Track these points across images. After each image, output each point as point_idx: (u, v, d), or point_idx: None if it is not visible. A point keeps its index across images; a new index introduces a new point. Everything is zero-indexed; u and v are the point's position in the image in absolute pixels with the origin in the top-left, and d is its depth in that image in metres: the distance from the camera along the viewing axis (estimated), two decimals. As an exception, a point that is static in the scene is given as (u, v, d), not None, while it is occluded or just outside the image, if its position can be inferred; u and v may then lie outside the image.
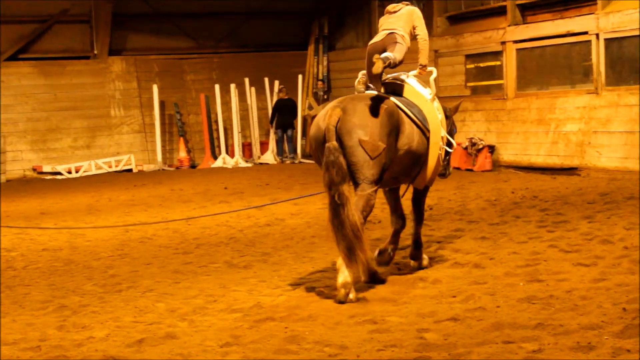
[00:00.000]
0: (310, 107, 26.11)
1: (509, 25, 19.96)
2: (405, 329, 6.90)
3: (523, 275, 8.52)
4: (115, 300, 8.65)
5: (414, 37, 9.37)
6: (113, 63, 25.62)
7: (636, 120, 16.59)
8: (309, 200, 15.29)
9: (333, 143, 8.01)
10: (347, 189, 7.94)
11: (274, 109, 25.39)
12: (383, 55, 8.70)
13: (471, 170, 19.59)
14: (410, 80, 9.33)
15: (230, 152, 25.45)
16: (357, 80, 9.29)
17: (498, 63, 20.39)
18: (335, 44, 27.57)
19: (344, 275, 7.93)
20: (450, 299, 7.83)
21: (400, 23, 9.18)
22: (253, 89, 25.65)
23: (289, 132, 25.44)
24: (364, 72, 9.31)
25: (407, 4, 9.45)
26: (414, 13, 9.34)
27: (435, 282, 8.58)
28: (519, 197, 14.56)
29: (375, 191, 8.25)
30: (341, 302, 7.86)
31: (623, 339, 6.20)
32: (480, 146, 19.72)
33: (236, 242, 11.97)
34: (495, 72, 20.61)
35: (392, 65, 8.79)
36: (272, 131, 25.57)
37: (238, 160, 24.94)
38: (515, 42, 19.77)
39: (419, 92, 9.20)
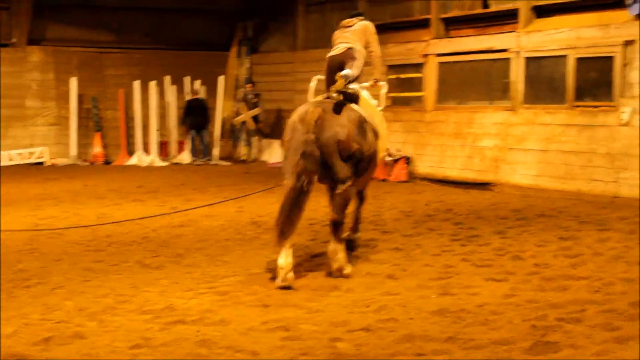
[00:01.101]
0: (238, 113, 25.52)
1: (432, 38, 20.14)
2: (317, 337, 6.89)
3: (435, 288, 8.59)
4: (23, 296, 8.46)
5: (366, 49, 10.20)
6: (31, 52, 25.12)
7: (551, 138, 16.88)
8: (224, 203, 15.20)
9: (310, 136, 8.94)
10: (314, 179, 8.97)
11: (187, 109, 25.13)
12: (343, 73, 9.58)
13: (386, 180, 19.70)
14: (363, 93, 10.11)
15: (146, 150, 25.16)
16: (314, 86, 10.01)
17: (419, 75, 20.53)
18: (259, 46, 27.48)
19: (284, 258, 8.78)
20: (364, 308, 7.85)
21: (355, 38, 10.02)
22: (174, 87, 25.41)
23: (203, 132, 25.22)
24: (319, 77, 10.39)
25: (362, 19, 10.27)
26: (368, 29, 10.21)
27: (349, 291, 8.59)
28: (433, 210, 14.70)
29: (351, 186, 9.39)
30: (285, 288, 8.62)
31: (532, 355, 6.29)
32: (397, 157, 19.86)
33: (149, 241, 11.82)
34: (415, 84, 20.76)
35: (351, 82, 9.66)
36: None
37: (154, 158, 24.68)
38: (438, 55, 19.94)
39: (371, 103, 10.17)
